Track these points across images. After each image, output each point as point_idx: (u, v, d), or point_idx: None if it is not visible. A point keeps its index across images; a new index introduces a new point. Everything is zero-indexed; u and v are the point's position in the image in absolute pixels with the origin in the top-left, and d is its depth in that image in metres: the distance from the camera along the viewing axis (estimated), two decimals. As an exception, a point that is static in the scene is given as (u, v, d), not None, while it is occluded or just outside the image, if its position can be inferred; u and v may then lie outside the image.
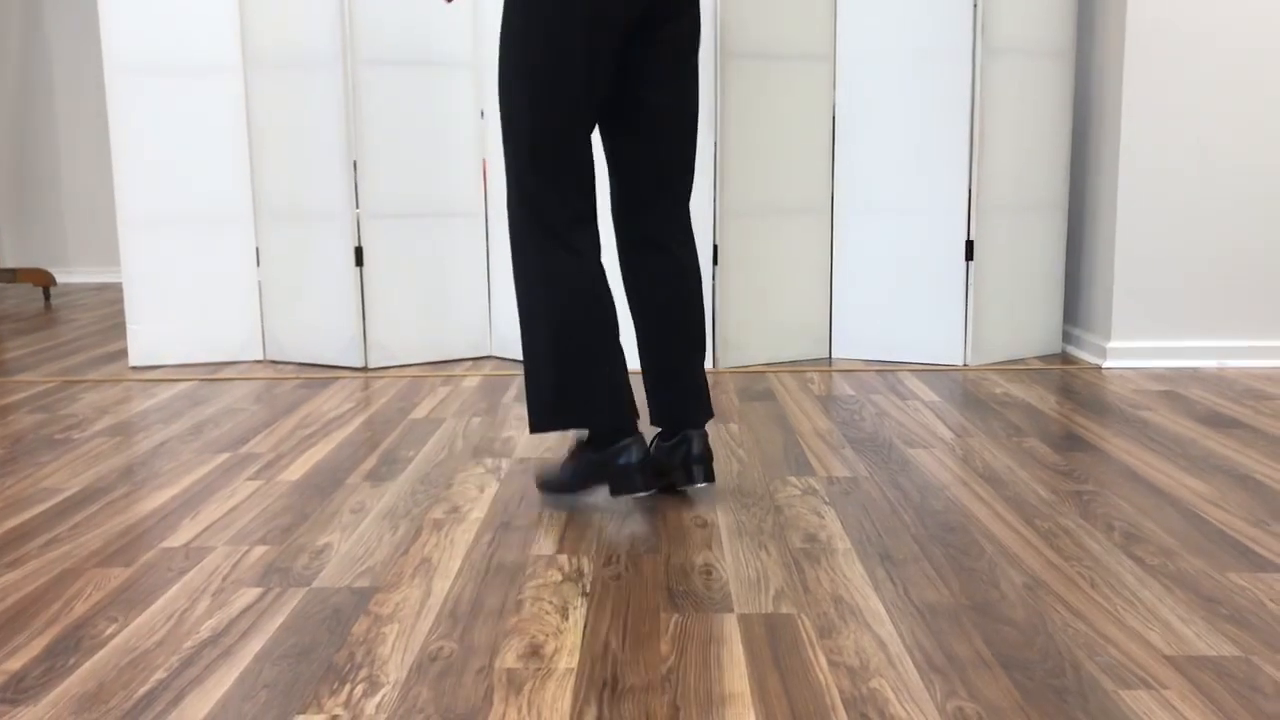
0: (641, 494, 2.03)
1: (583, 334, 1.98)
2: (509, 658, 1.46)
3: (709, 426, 2.62)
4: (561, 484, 2.10)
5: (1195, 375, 3.20)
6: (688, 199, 2.10)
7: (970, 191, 3.28)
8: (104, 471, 2.35)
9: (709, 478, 2.08)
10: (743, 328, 3.39)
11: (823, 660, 1.44)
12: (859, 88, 3.37)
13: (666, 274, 2.07)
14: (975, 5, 3.20)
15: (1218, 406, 2.82)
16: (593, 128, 1.98)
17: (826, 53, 3.38)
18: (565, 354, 1.98)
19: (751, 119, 3.31)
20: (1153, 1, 3.20)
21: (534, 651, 1.48)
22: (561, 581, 1.72)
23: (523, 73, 1.90)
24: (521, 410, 2.85)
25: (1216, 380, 3.13)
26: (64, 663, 1.46)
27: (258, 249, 3.52)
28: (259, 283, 3.55)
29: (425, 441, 2.55)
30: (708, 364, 3.37)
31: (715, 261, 3.32)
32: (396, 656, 1.47)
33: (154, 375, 3.36)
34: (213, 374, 3.37)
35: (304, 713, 1.32)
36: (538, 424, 2.03)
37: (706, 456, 2.08)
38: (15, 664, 1.46)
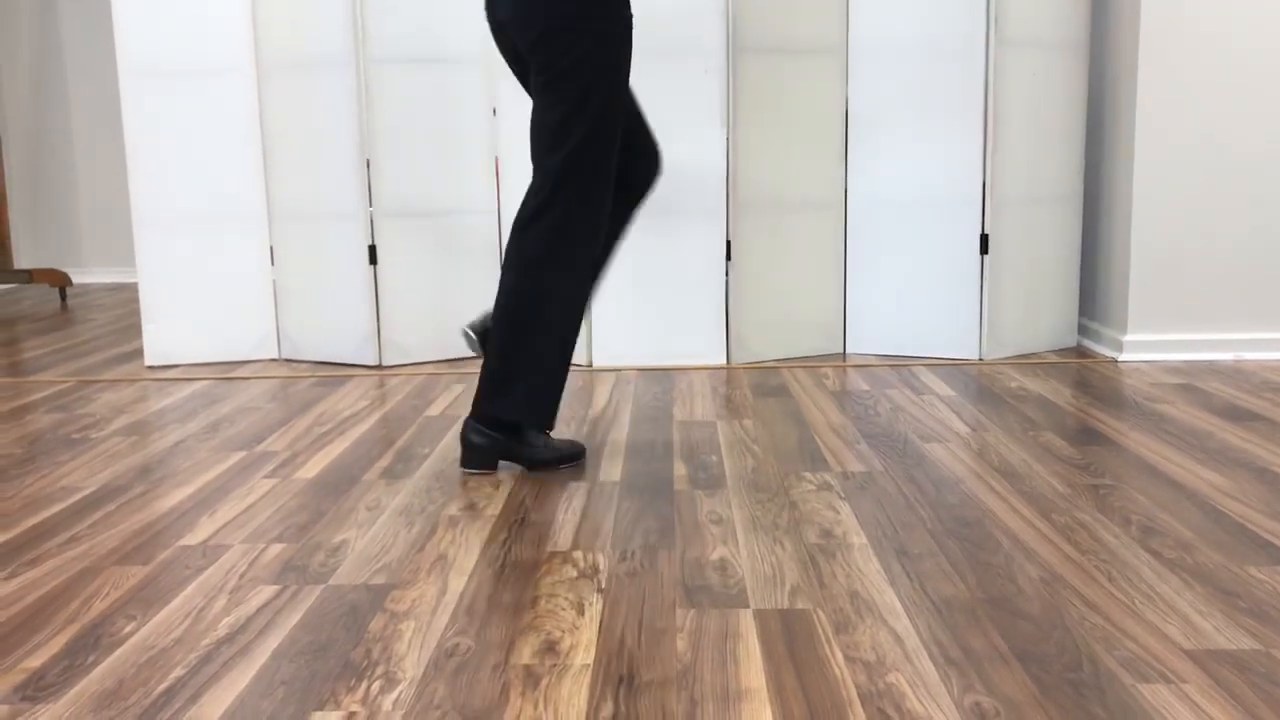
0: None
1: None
2: (525, 654, 1.46)
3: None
4: (554, 461, 2.34)
5: (1212, 368, 3.19)
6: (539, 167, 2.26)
7: (985, 185, 3.27)
8: (121, 470, 2.36)
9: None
10: (756, 324, 3.38)
11: (839, 655, 1.44)
12: (871, 82, 3.36)
13: None
14: (988, -2, 3.18)
15: (1235, 399, 2.80)
16: None
17: (839, 46, 3.37)
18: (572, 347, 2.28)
19: (763, 114, 3.30)
20: (1167, -8, 3.18)
21: (550, 647, 1.48)
22: (577, 578, 1.72)
23: (607, 85, 2.20)
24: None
25: (1234, 373, 3.12)
26: (83, 660, 1.47)
27: (272, 248, 3.54)
28: (273, 282, 3.56)
29: (440, 439, 2.56)
30: (721, 359, 3.37)
31: (728, 257, 3.31)
32: (413, 653, 1.47)
33: (170, 374, 3.37)
34: (228, 373, 3.38)
35: (321, 709, 1.33)
36: (549, 420, 2.28)
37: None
38: (35, 661, 1.47)
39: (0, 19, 5.67)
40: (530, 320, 2.21)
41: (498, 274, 3.55)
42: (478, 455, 2.29)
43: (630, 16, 2.22)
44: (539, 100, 2.22)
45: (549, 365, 2.23)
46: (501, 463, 2.36)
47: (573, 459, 2.33)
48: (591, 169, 2.20)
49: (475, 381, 3.18)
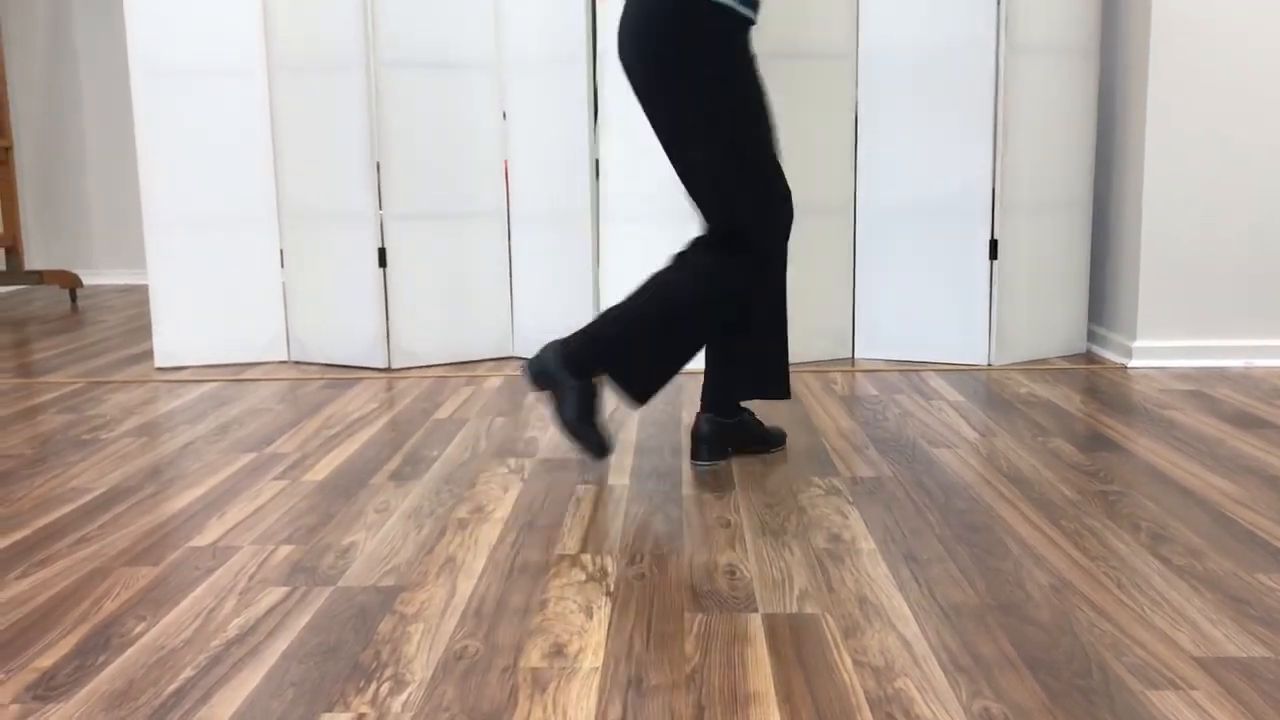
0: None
1: None
2: (534, 657, 1.46)
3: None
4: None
5: (1222, 375, 3.18)
6: (705, 215, 2.26)
7: (994, 190, 3.27)
8: (131, 471, 2.37)
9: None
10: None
11: (847, 660, 1.44)
12: (881, 86, 3.36)
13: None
14: (999, 2, 3.18)
15: (1245, 406, 2.79)
16: None
17: (848, 51, 3.37)
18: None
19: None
20: (1178, -2, 3.18)
21: (558, 651, 1.48)
22: (585, 581, 1.72)
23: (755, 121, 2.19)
24: (545, 410, 2.85)
25: (1244, 379, 3.11)
26: (94, 660, 1.48)
27: (282, 250, 3.55)
28: (283, 284, 3.57)
29: (449, 442, 2.56)
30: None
31: (737, 261, 3.31)
32: (422, 655, 1.47)
33: (179, 376, 3.38)
34: (237, 375, 3.39)
35: (330, 711, 1.33)
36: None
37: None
38: (46, 661, 1.48)
39: (14, 21, 5.69)
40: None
41: (507, 277, 3.56)
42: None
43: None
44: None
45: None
46: (525, 463, 2.36)
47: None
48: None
49: (482, 385, 3.18)
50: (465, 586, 1.71)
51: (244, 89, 3.46)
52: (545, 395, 2.41)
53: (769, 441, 2.43)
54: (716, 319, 2.24)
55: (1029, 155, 3.31)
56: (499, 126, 3.49)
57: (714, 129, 2.13)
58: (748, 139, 2.15)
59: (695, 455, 2.34)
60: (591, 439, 2.30)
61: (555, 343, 2.28)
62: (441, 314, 3.48)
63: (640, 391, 2.26)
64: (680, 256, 2.25)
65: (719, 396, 2.35)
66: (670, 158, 2.23)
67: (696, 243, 2.26)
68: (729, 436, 2.37)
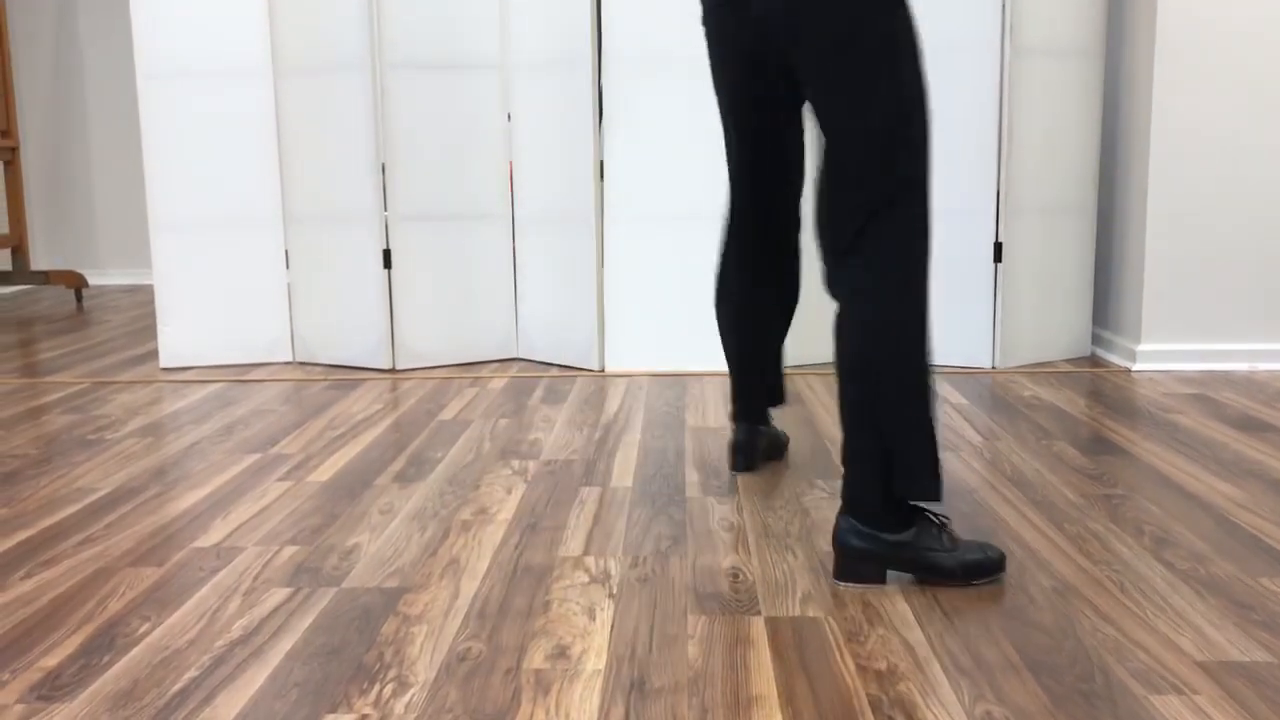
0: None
1: None
2: (537, 658, 1.47)
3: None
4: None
5: (1226, 378, 3.18)
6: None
7: (998, 193, 3.27)
8: (136, 472, 2.38)
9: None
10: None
11: (850, 664, 1.44)
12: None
13: None
14: (1003, 4, 3.18)
15: (1249, 410, 2.79)
16: None
17: (853, 54, 3.37)
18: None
19: (778, 121, 3.30)
20: (1183, 1, 3.18)
21: (561, 652, 1.48)
22: (589, 583, 1.72)
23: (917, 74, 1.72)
24: (548, 412, 2.86)
25: (1248, 383, 3.10)
26: (98, 660, 1.48)
27: (287, 251, 3.55)
28: (288, 285, 3.58)
29: (453, 443, 2.57)
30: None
31: (742, 264, 3.31)
32: (425, 657, 1.48)
33: (184, 377, 3.39)
34: (242, 375, 3.39)
35: (334, 712, 1.33)
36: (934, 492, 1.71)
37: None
38: (51, 661, 1.48)
39: (20, 23, 5.71)
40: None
41: (511, 279, 3.56)
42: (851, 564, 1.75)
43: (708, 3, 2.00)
44: None
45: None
46: (529, 465, 2.36)
47: (986, 572, 1.72)
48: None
49: (487, 386, 3.19)
50: (469, 588, 1.71)
51: (249, 90, 3.47)
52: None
53: (784, 447, 2.44)
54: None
55: (1033, 158, 3.31)
56: (504, 128, 3.49)
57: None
58: None
59: (739, 466, 2.31)
60: (989, 552, 1.73)
61: (846, 518, 1.71)
62: (446, 315, 3.48)
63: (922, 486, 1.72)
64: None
65: (761, 404, 2.30)
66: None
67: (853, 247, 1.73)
68: (771, 446, 2.38)
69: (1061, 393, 3.01)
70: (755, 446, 2.30)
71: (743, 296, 2.20)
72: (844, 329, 1.71)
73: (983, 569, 1.69)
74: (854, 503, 1.70)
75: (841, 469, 1.74)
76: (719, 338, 2.37)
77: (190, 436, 2.67)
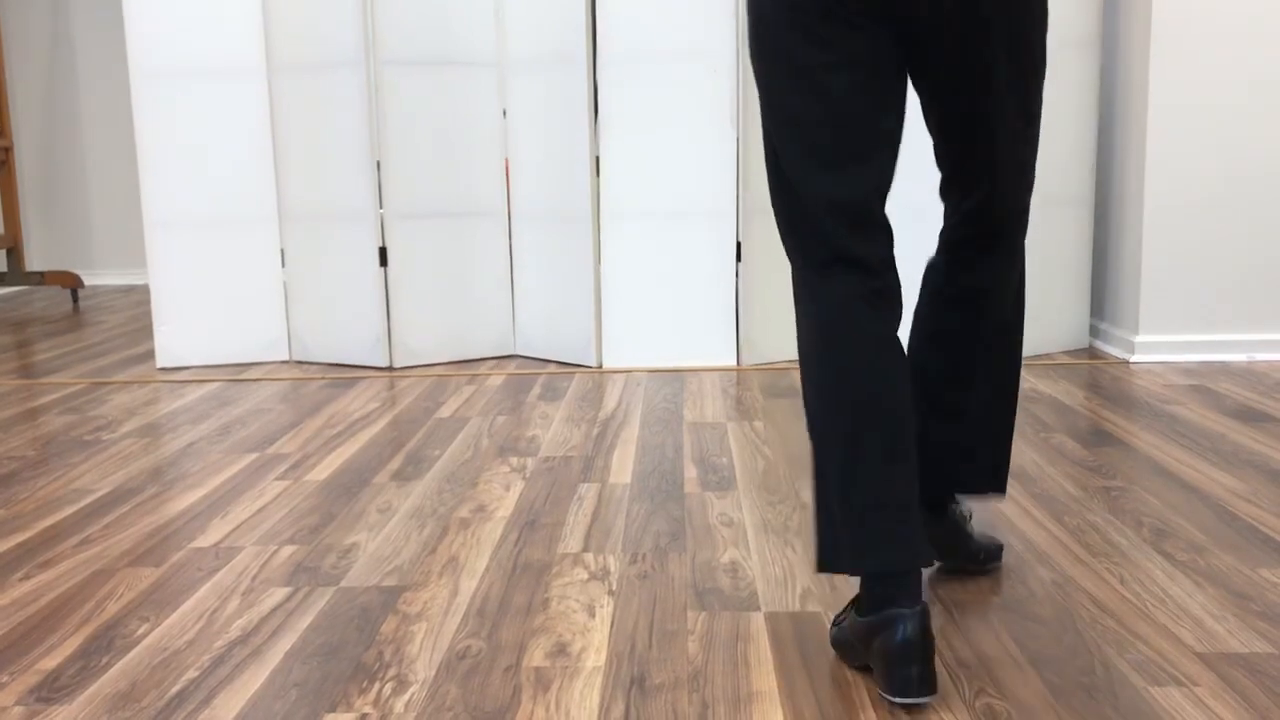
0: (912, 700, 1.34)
1: None
2: (536, 656, 1.47)
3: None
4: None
5: (1225, 369, 3.18)
6: None
7: (995, 186, 3.26)
8: (134, 472, 2.37)
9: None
10: (766, 325, 3.38)
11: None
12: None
13: None
14: (999, -2, 3.18)
15: (1248, 400, 2.79)
16: None
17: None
18: None
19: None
20: (1179, -8, 3.18)
21: (561, 650, 1.48)
22: (588, 580, 1.72)
23: None
24: (546, 408, 2.85)
25: (1246, 374, 3.10)
26: (97, 662, 1.48)
27: (283, 250, 3.55)
28: (284, 283, 3.57)
29: (451, 441, 2.56)
30: (731, 361, 3.37)
31: (739, 259, 3.31)
32: (425, 655, 1.48)
33: (181, 376, 3.38)
34: (239, 375, 3.39)
35: (333, 711, 1.33)
36: None
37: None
38: (50, 663, 1.48)
39: (12, 21, 5.69)
40: None
41: (508, 276, 3.56)
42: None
43: None
44: None
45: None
46: (527, 462, 2.36)
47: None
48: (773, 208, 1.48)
49: (484, 383, 3.18)
50: (468, 586, 1.71)
51: (244, 88, 3.46)
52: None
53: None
54: None
55: (1030, 150, 3.30)
56: (500, 125, 3.49)
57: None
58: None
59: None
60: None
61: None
62: (443, 313, 3.48)
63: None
64: (975, 291, 1.55)
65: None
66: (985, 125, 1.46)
67: (979, 259, 1.55)
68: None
69: (1060, 385, 3.01)
70: (933, 641, 1.34)
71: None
72: (983, 322, 1.55)
73: (992, 553, 1.74)
74: (1004, 483, 1.64)
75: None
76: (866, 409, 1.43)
77: (187, 436, 2.67)
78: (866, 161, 1.39)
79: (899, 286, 1.43)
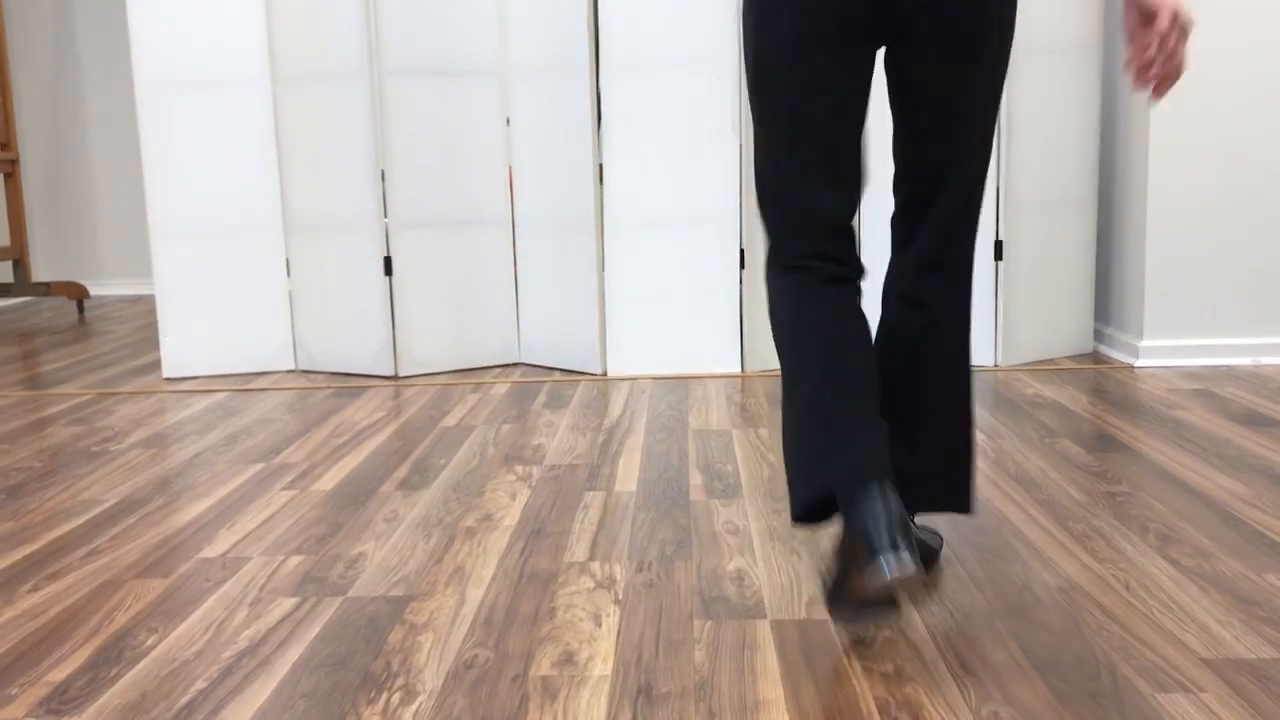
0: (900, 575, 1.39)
1: None
2: (543, 665, 1.47)
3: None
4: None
5: (1230, 373, 3.17)
6: None
7: (998, 190, 3.27)
8: (141, 483, 2.38)
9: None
10: (770, 331, 3.38)
11: (857, 666, 1.44)
12: (884, 87, 3.36)
13: None
14: (1000, 4, 3.18)
15: (1253, 405, 2.79)
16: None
17: (851, 55, 3.37)
18: None
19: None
20: (1180, -3, 3.18)
21: (568, 659, 1.48)
22: (594, 588, 1.73)
23: None
24: (551, 416, 2.86)
25: (1252, 378, 3.10)
26: (106, 673, 1.48)
27: (288, 260, 3.56)
28: (289, 293, 3.58)
29: (457, 449, 2.57)
30: (735, 367, 3.37)
31: (743, 265, 3.32)
32: (432, 665, 1.48)
33: (187, 387, 3.39)
34: (245, 385, 3.40)
35: (342, 722, 1.34)
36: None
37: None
38: (59, 674, 1.48)
39: (17, 32, 5.72)
40: None
41: (512, 284, 3.56)
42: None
43: None
44: None
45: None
46: (533, 470, 2.37)
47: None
48: (758, 198, 1.60)
49: (489, 392, 3.19)
50: (474, 595, 1.71)
51: (248, 99, 3.47)
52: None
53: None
54: None
55: (1033, 155, 3.31)
56: (503, 133, 3.50)
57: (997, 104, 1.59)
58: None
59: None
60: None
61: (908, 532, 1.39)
62: (447, 321, 3.49)
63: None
64: (921, 305, 1.60)
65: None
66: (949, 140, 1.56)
67: (935, 275, 1.60)
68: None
69: (1064, 390, 3.01)
70: (909, 520, 1.53)
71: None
72: (933, 337, 1.60)
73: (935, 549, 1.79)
74: (968, 502, 1.64)
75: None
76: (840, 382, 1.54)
77: (194, 447, 2.67)
78: (848, 182, 1.54)
79: (862, 275, 1.58)
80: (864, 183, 1.58)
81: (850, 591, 1.41)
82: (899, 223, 1.63)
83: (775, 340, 1.57)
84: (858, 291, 1.57)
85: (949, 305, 1.61)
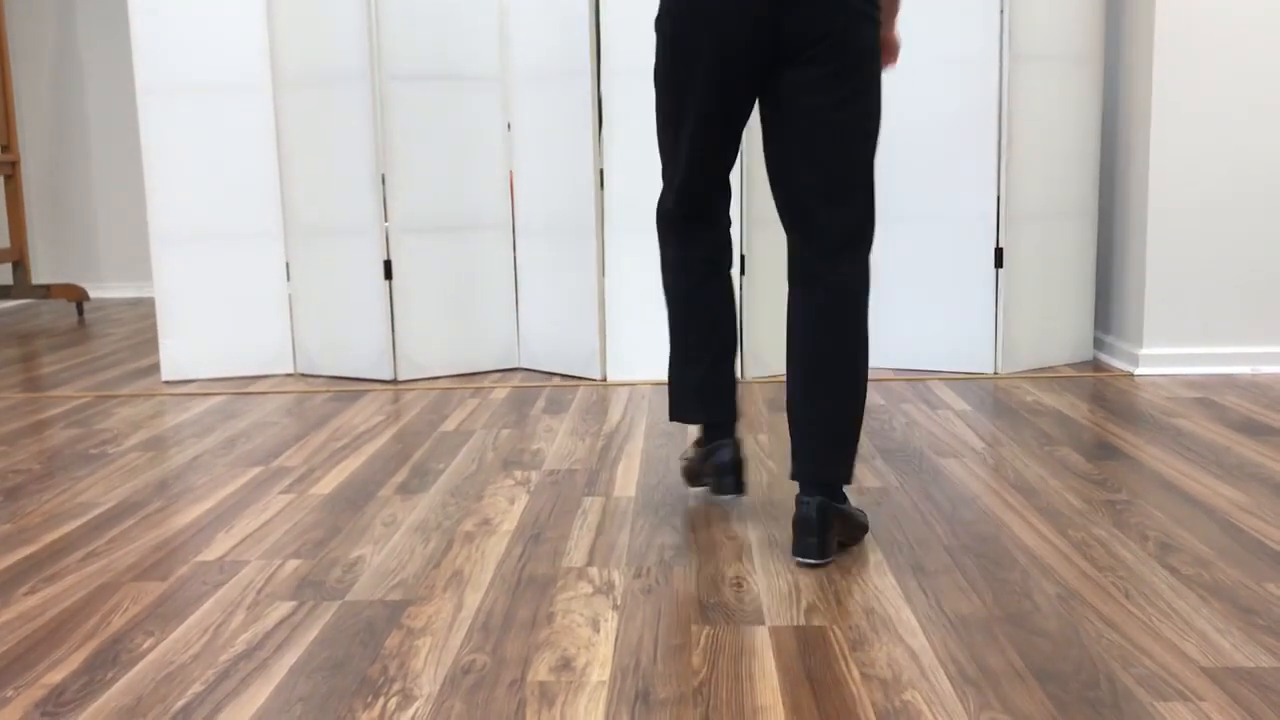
0: (730, 495, 2.15)
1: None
2: (541, 670, 1.47)
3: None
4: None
5: (1229, 382, 3.17)
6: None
7: (999, 198, 3.27)
8: (139, 486, 2.38)
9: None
10: (769, 338, 3.38)
11: (855, 673, 1.44)
12: (885, 95, 3.36)
13: None
14: (1001, 11, 3.19)
15: (1253, 413, 2.79)
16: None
17: (852, 62, 3.37)
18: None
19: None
20: (1182, 4, 3.18)
21: (566, 664, 1.48)
22: (592, 594, 1.72)
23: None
24: (551, 421, 2.86)
25: (1251, 387, 3.10)
26: (102, 676, 1.48)
27: (288, 263, 3.56)
28: (289, 297, 3.58)
29: (455, 454, 2.57)
30: (736, 373, 3.37)
31: (743, 272, 3.32)
32: (429, 669, 1.48)
33: (186, 390, 3.39)
34: (244, 388, 3.40)
35: (339, 726, 1.33)
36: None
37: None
38: (56, 677, 1.48)
39: (19, 37, 5.72)
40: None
41: (512, 289, 3.56)
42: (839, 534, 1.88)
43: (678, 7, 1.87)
44: None
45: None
46: (532, 475, 2.36)
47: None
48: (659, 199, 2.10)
49: (488, 396, 3.19)
50: (472, 600, 1.71)
51: (249, 103, 3.47)
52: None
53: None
54: None
55: (1034, 163, 3.31)
56: (504, 138, 3.50)
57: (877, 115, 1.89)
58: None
59: (734, 488, 2.04)
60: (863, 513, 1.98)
61: (822, 500, 1.81)
62: (447, 326, 3.48)
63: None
64: (819, 289, 1.85)
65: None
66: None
67: (823, 263, 1.86)
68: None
69: (1064, 397, 3.01)
70: (742, 463, 2.06)
71: (720, 286, 2.10)
72: (834, 317, 1.84)
73: (865, 526, 1.95)
74: (834, 482, 1.85)
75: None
76: (691, 335, 2.07)
77: (193, 450, 2.67)
78: (720, 167, 2.02)
79: (729, 240, 2.11)
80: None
81: (697, 477, 2.18)
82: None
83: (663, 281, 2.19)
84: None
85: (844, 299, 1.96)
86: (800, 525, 1.81)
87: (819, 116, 1.80)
